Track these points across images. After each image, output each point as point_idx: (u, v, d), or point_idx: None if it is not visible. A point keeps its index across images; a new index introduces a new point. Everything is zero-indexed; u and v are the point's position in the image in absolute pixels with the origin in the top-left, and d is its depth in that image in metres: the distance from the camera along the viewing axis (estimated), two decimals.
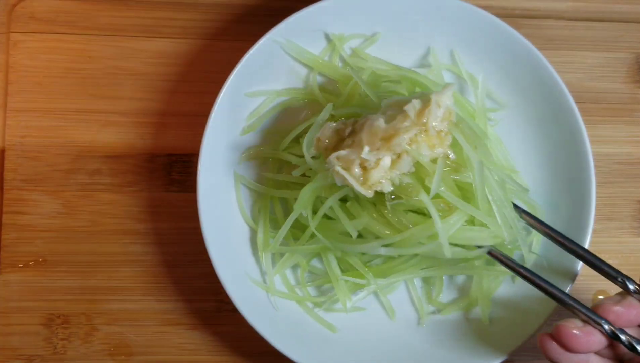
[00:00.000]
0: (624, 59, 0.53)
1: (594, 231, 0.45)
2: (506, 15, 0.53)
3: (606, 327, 0.37)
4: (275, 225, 0.47)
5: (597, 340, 0.37)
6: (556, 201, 0.47)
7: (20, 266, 0.50)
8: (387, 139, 0.38)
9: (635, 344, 0.37)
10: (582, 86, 0.53)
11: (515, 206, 0.43)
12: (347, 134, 0.41)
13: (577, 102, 0.46)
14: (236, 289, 0.44)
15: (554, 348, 0.37)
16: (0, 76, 0.51)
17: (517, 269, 0.42)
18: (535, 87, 0.47)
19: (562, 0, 0.53)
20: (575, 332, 0.37)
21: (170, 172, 0.51)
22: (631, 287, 0.39)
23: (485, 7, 0.52)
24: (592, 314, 0.38)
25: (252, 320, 0.44)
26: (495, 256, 0.43)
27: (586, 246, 0.45)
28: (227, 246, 0.46)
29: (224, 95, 0.45)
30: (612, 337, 0.37)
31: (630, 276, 0.40)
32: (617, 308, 0.37)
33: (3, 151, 0.50)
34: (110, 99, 0.51)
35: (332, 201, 0.42)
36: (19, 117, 0.50)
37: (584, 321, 0.38)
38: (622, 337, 0.37)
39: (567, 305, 0.40)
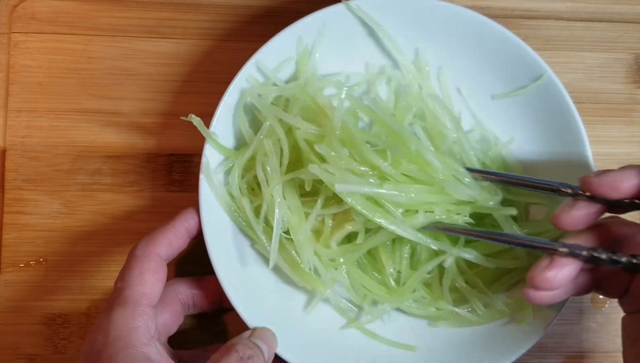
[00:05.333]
0: (623, 60, 0.53)
1: None
2: (505, 15, 0.53)
3: (562, 249, 0.39)
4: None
5: (569, 270, 0.39)
6: (556, 202, 0.47)
7: (21, 266, 0.50)
8: None
9: (595, 254, 0.38)
10: (581, 86, 0.53)
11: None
12: None
13: (576, 102, 0.46)
14: (234, 288, 0.44)
15: (538, 295, 0.40)
16: (1, 76, 0.51)
17: (469, 232, 0.44)
18: (533, 89, 0.47)
19: (562, 1, 0.53)
20: (545, 274, 0.39)
21: (170, 172, 0.51)
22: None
23: (484, 8, 0.53)
24: (547, 244, 0.40)
25: (249, 321, 0.44)
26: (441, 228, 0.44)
27: None
28: (228, 246, 0.46)
29: (229, 94, 0.45)
30: (573, 255, 0.39)
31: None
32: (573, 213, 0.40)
33: (4, 151, 0.50)
34: (110, 99, 0.51)
35: None
36: (20, 117, 0.51)
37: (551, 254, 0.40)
38: (583, 253, 0.39)
39: (527, 247, 0.42)
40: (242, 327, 0.44)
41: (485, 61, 0.48)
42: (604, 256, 0.38)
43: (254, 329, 0.43)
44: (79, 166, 0.50)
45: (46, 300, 0.50)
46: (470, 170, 0.45)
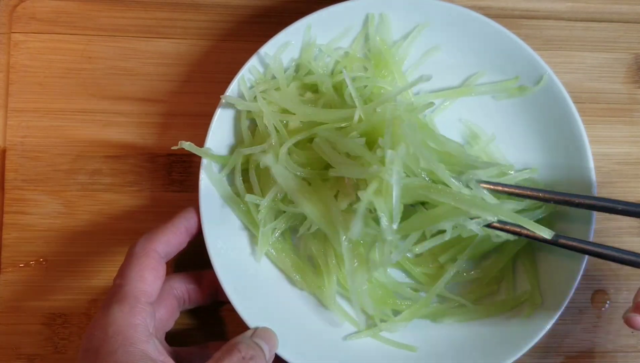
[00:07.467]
0: (623, 60, 0.53)
1: (594, 231, 0.45)
2: (505, 15, 0.53)
3: None
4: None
5: None
6: None
7: (21, 266, 0.50)
8: None
9: None
10: (581, 86, 0.53)
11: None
12: None
13: (576, 102, 0.46)
14: (235, 289, 0.45)
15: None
16: (1, 76, 0.51)
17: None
18: (534, 89, 0.47)
19: (562, 1, 0.53)
20: None
21: (170, 172, 0.51)
22: None
23: (484, 8, 0.53)
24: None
25: (249, 322, 0.44)
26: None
27: None
28: (228, 246, 0.46)
29: (229, 94, 0.45)
30: None
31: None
32: None
33: (4, 151, 0.50)
34: (110, 99, 0.51)
35: None
36: (20, 117, 0.51)
37: None
38: None
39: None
40: (239, 324, 0.44)
41: (486, 61, 0.48)
42: None
43: (256, 329, 0.43)
44: (79, 166, 0.50)
45: (46, 300, 0.50)
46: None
